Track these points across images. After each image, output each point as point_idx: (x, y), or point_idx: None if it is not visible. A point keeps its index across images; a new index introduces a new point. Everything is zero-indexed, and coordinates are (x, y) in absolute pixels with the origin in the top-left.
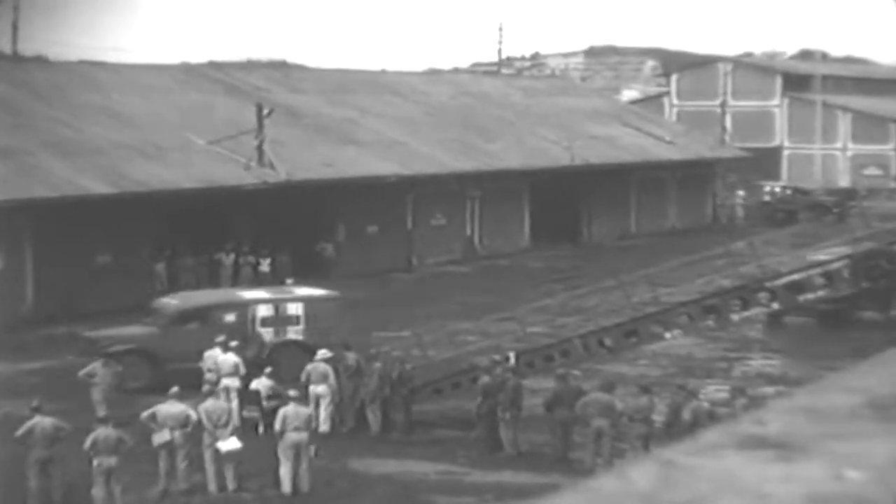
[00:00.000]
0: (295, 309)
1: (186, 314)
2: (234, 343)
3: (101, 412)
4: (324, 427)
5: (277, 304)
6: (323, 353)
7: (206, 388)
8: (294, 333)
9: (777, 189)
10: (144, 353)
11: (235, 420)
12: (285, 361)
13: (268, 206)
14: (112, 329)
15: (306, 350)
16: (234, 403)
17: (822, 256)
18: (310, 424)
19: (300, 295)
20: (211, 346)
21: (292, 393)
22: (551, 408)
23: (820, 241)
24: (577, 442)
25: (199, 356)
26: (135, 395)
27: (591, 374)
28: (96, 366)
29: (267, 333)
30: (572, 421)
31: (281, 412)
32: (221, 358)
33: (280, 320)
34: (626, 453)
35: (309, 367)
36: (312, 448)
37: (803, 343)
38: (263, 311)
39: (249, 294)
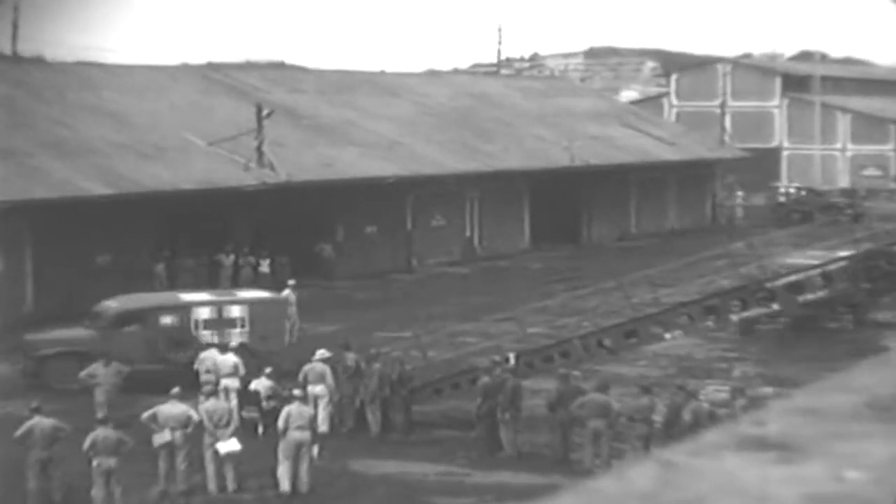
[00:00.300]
0: (237, 312)
1: (125, 317)
2: (233, 343)
3: (101, 413)
4: (323, 427)
5: (219, 306)
6: (321, 353)
7: (207, 388)
8: (236, 336)
9: (791, 190)
10: (83, 355)
11: (236, 420)
12: None
13: (267, 206)
14: (52, 332)
15: (249, 353)
16: (234, 403)
17: (801, 260)
18: (312, 424)
19: (243, 297)
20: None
21: (296, 392)
22: (554, 408)
23: (820, 241)
24: (576, 443)
25: (142, 358)
26: (137, 396)
27: (590, 374)
28: (97, 366)
29: (207, 336)
30: (572, 422)
31: (285, 411)
32: (221, 358)
33: (221, 323)
34: (626, 454)
35: (307, 367)
36: (316, 448)
37: (777, 350)
38: (204, 313)
39: (190, 297)
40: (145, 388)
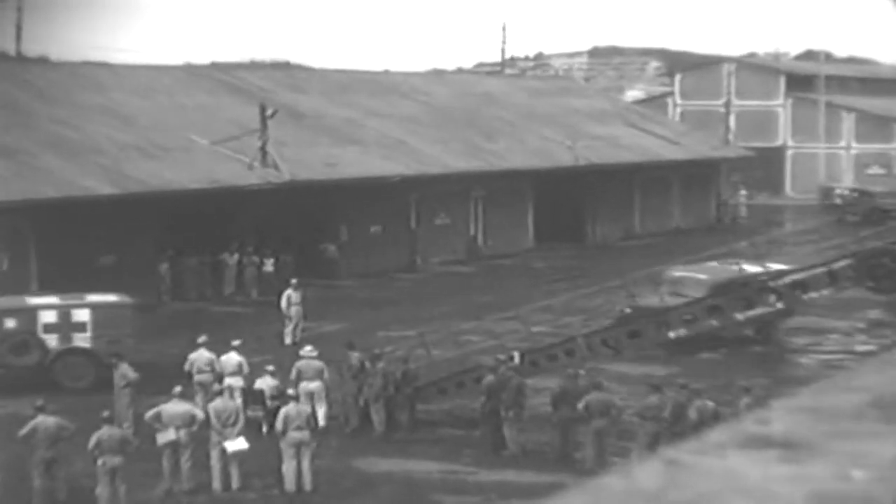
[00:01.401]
0: (83, 316)
1: None
2: (236, 342)
3: (105, 412)
4: (322, 423)
5: (65, 310)
6: (308, 349)
7: (214, 386)
8: (80, 340)
9: (846, 191)
10: None
11: (242, 420)
12: (69, 369)
13: (271, 206)
14: None
15: (92, 357)
16: (238, 402)
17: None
18: (311, 423)
19: (88, 301)
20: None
21: (292, 392)
22: (557, 405)
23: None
24: (578, 441)
25: None
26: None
27: (596, 373)
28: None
29: (51, 340)
30: (574, 420)
31: (282, 412)
32: (224, 357)
33: (67, 327)
34: (632, 452)
35: (300, 364)
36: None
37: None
38: (49, 317)
39: (34, 300)
40: None
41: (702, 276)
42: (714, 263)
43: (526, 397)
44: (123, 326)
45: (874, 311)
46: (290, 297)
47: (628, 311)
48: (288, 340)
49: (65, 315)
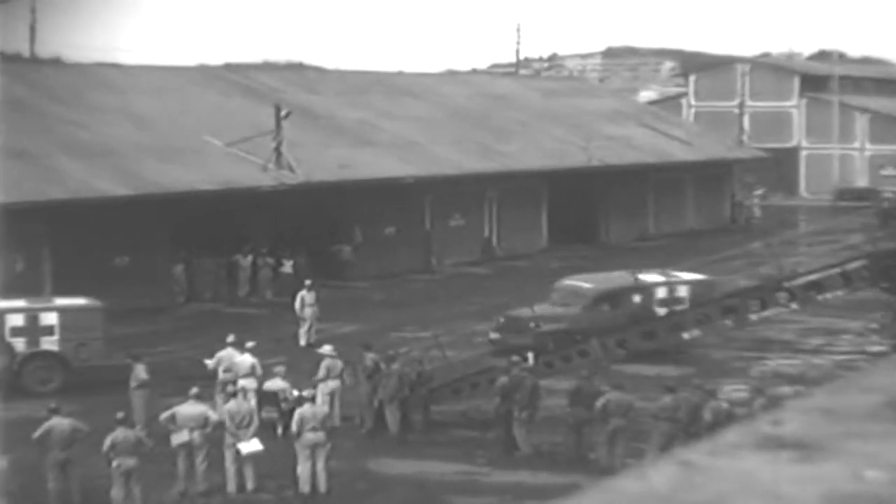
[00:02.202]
0: (50, 319)
1: None
2: (250, 343)
3: (120, 414)
4: (336, 422)
5: (32, 314)
6: (329, 348)
7: (228, 388)
8: (48, 344)
9: (891, 194)
10: None
11: (256, 421)
12: (37, 372)
13: (285, 207)
14: None
15: (60, 360)
16: (253, 404)
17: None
18: (326, 424)
19: (56, 305)
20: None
21: (305, 393)
22: (572, 404)
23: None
24: (592, 441)
25: None
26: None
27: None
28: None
29: (18, 343)
30: (588, 420)
31: (297, 413)
32: (239, 359)
33: (34, 330)
34: (646, 453)
35: (328, 362)
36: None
37: None
38: (15, 320)
39: (2, 304)
40: None
41: (586, 286)
42: (616, 273)
43: (540, 398)
44: (92, 330)
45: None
46: (304, 298)
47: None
48: (303, 342)
49: (32, 319)
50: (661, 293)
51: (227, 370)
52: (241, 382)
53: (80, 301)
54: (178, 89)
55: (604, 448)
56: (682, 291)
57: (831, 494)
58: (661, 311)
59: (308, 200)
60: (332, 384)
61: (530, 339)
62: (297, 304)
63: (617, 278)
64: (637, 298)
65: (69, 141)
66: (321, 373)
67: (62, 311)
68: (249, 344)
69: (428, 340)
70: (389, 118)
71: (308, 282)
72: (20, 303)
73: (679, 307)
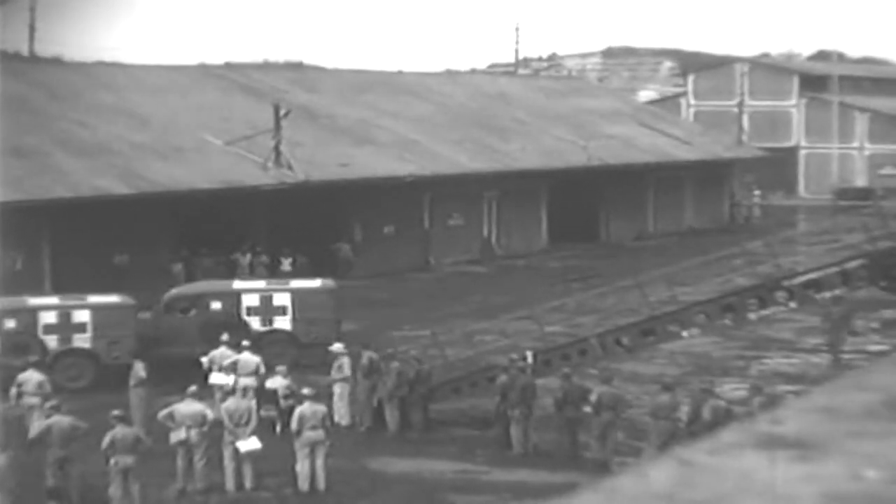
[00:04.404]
0: (82, 316)
1: None
2: (245, 342)
3: (117, 411)
4: (343, 421)
5: (64, 310)
6: (338, 346)
7: (227, 386)
8: (80, 341)
9: None
10: None
11: (255, 420)
12: (69, 369)
13: (285, 206)
14: None
15: (92, 357)
16: (252, 402)
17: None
18: (325, 422)
19: (88, 302)
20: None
21: (306, 391)
22: (561, 407)
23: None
24: (586, 439)
25: None
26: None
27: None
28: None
29: (51, 340)
30: (579, 419)
31: (297, 411)
32: (243, 357)
33: (66, 327)
34: (644, 451)
35: (344, 360)
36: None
37: None
38: (48, 317)
39: (35, 300)
40: None
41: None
42: (221, 282)
43: (535, 397)
44: (124, 327)
45: (887, 311)
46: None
47: None
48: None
49: (65, 316)
50: (252, 301)
51: (226, 369)
52: (243, 381)
53: (112, 299)
54: (178, 88)
55: (597, 442)
56: (282, 300)
57: (830, 493)
58: (255, 319)
59: (307, 199)
60: (345, 383)
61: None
62: None
63: (205, 285)
64: (217, 305)
65: (69, 139)
66: (335, 372)
67: (95, 308)
68: (246, 342)
69: (427, 339)
70: (389, 117)
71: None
72: (53, 300)
73: (280, 317)
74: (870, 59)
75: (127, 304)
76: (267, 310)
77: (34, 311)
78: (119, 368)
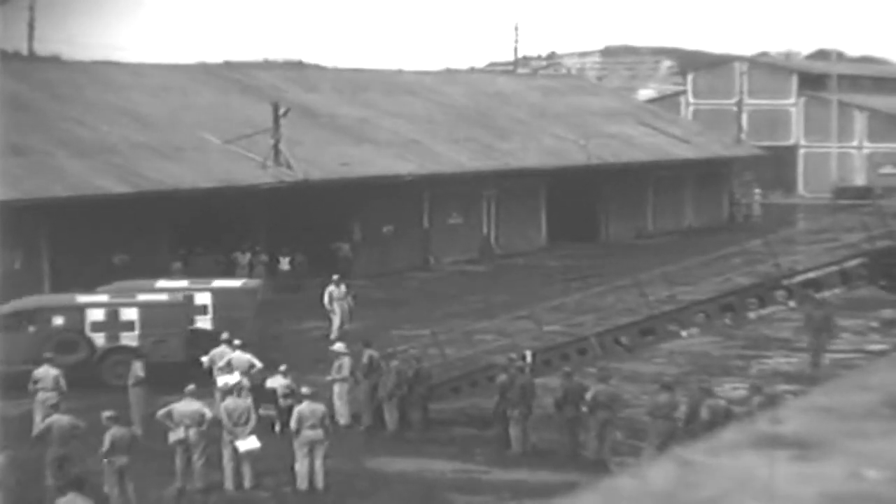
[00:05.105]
0: (130, 314)
1: None
2: (238, 342)
3: (111, 412)
4: (343, 420)
5: (112, 308)
6: (340, 346)
7: (225, 386)
8: (128, 339)
9: None
10: None
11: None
12: (116, 367)
13: (284, 205)
14: None
15: (139, 355)
16: (249, 401)
17: None
18: (325, 422)
19: (137, 300)
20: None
21: (305, 391)
22: (560, 406)
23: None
24: (585, 439)
25: None
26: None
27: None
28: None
29: (98, 338)
30: (579, 418)
31: (296, 411)
32: (236, 356)
33: (113, 325)
34: (643, 451)
35: (345, 360)
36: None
37: None
38: (95, 315)
39: (83, 298)
40: None
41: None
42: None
43: (534, 396)
44: (172, 326)
45: (886, 310)
46: (331, 293)
47: None
48: (333, 335)
49: (112, 314)
50: (97, 315)
51: (222, 368)
52: (238, 379)
53: (161, 297)
54: (177, 87)
55: (594, 441)
56: (130, 314)
57: (830, 493)
58: (99, 335)
59: (307, 198)
60: (344, 383)
61: None
62: (326, 299)
63: (48, 298)
64: (59, 320)
65: (68, 138)
66: (344, 370)
67: (143, 306)
68: (237, 342)
69: (426, 338)
70: (388, 116)
71: (336, 276)
72: (102, 297)
73: (128, 332)
74: (869, 57)
75: (175, 302)
76: (113, 325)
77: (82, 308)
78: (166, 367)
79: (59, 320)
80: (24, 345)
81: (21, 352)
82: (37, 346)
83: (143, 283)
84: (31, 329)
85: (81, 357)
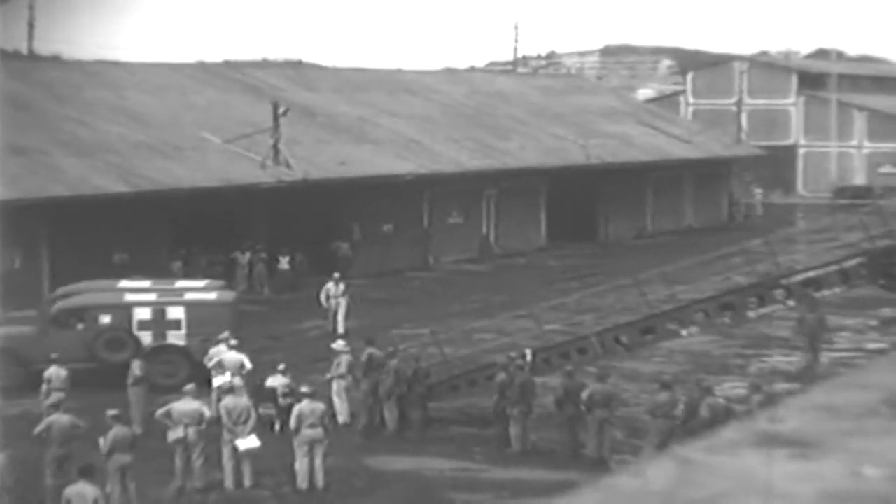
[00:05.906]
0: (177, 313)
1: None
2: (233, 341)
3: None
4: (342, 418)
5: (159, 307)
6: (340, 344)
7: (224, 385)
8: (174, 338)
9: None
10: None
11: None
12: (162, 366)
13: (284, 204)
14: None
15: (185, 354)
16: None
17: None
18: (324, 420)
19: (184, 299)
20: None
21: (305, 389)
22: (561, 405)
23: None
24: (584, 437)
25: None
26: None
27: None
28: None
29: (145, 336)
30: (580, 417)
31: (296, 409)
32: (227, 355)
33: (160, 324)
34: (643, 450)
35: (346, 357)
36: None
37: None
38: (142, 314)
39: (130, 296)
40: None
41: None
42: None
43: (533, 395)
44: (219, 325)
45: (886, 308)
46: (329, 290)
47: None
48: (341, 329)
49: (159, 312)
50: (144, 314)
51: (214, 367)
52: (227, 379)
53: (210, 295)
54: (176, 87)
55: (593, 440)
56: (177, 313)
57: (830, 491)
58: (146, 334)
59: (306, 197)
60: (343, 381)
61: None
62: (323, 297)
63: (94, 296)
64: (107, 318)
65: (68, 138)
66: (343, 368)
67: (189, 305)
68: (233, 342)
69: (426, 337)
70: (388, 116)
71: (336, 274)
72: (150, 296)
73: (174, 331)
74: (868, 57)
75: (223, 301)
76: (160, 324)
77: (129, 307)
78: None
79: (106, 318)
80: (73, 342)
81: (70, 349)
82: (86, 344)
83: (106, 283)
84: (80, 327)
85: (128, 356)
